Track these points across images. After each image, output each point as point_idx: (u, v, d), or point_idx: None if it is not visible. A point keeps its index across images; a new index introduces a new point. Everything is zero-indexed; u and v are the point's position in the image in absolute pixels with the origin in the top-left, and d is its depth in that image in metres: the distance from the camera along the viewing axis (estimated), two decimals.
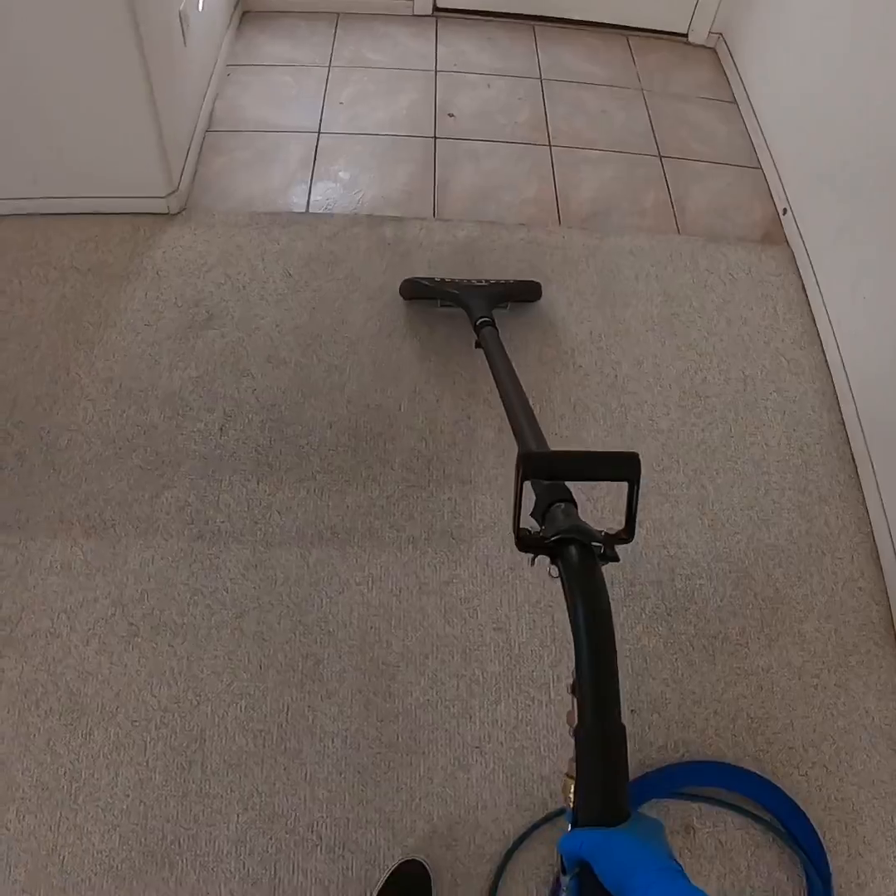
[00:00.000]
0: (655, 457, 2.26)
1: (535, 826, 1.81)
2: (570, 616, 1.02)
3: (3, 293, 2.38)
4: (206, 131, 2.73)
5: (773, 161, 2.80)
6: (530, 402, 2.01)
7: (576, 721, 0.93)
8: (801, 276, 2.57)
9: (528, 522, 1.16)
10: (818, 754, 1.91)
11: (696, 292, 2.50)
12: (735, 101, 3.09)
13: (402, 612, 2.02)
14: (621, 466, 1.15)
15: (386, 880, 1.66)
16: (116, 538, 2.07)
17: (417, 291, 2.34)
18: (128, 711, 1.87)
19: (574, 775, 0.89)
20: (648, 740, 1.92)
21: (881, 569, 2.15)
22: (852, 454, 2.31)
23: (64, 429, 2.20)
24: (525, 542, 1.11)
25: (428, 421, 2.26)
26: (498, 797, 1.84)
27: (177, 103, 2.51)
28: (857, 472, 2.29)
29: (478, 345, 2.08)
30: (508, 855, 1.78)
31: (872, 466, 2.23)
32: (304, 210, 2.59)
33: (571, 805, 0.89)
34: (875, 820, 1.85)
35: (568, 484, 1.27)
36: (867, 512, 2.23)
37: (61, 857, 1.71)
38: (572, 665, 1.00)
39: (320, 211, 2.60)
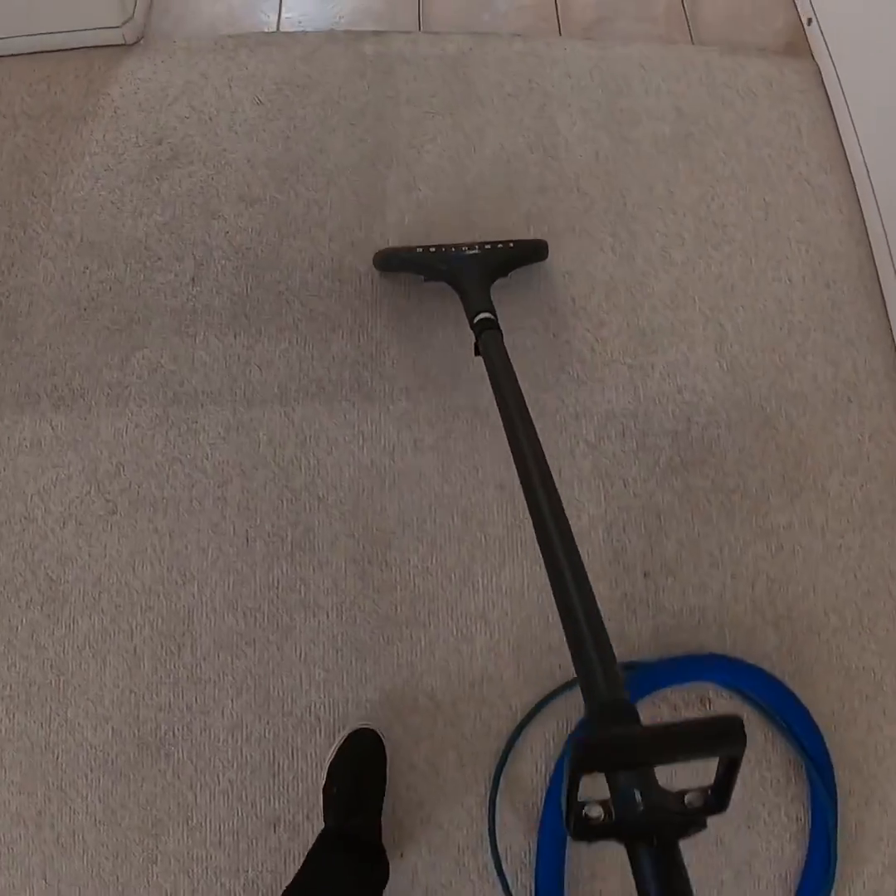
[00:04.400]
0: (670, 293, 1.54)
1: (545, 700, 1.30)
2: None
3: None
4: None
5: None
6: (531, 232, 1.35)
7: None
8: (827, 93, 1.75)
9: None
10: (840, 620, 1.36)
11: (712, 109, 1.69)
12: None
13: (397, 471, 1.41)
14: (718, 739, 0.60)
15: (338, 749, 1.25)
16: (87, 408, 1.44)
17: (395, 264, 1.49)
18: (111, 596, 1.34)
19: None
20: (662, 605, 1.36)
21: None
22: (882, 292, 1.58)
23: (24, 292, 1.52)
24: (583, 832, 0.59)
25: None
26: (504, 670, 1.31)
27: None
28: (886, 311, 1.57)
29: (477, 352, 1.25)
30: (517, 731, 1.28)
31: None
32: (274, 29, 1.75)
33: None
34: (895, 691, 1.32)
35: None
36: None
37: (55, 755, 1.26)
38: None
39: (293, 29, 1.75)
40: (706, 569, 1.38)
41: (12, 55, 1.67)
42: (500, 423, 1.25)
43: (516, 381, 1.11)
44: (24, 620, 1.32)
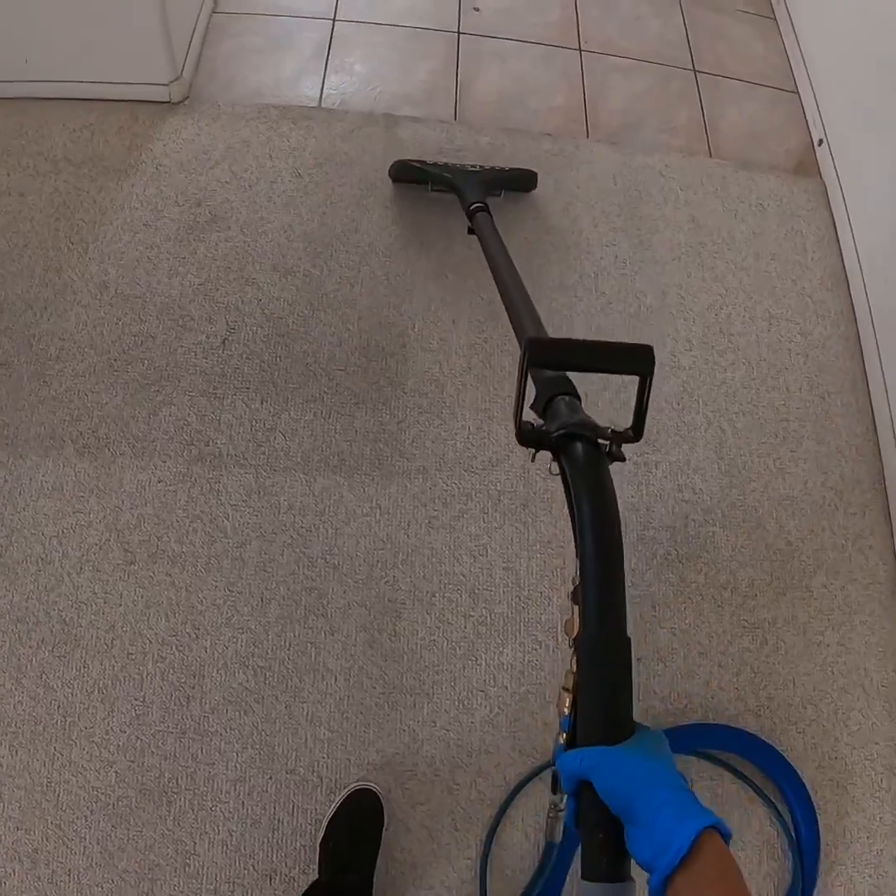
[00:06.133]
0: (676, 395, 1.96)
1: (536, 772, 1.62)
2: (574, 517, 0.87)
3: None
4: (213, 12, 2.25)
5: (812, 87, 2.38)
6: (549, 329, 1.74)
7: (576, 630, 0.81)
8: (832, 213, 2.23)
9: (529, 416, 0.99)
10: (816, 712, 1.74)
11: (725, 221, 2.15)
12: (774, 18, 2.63)
13: (411, 547, 1.76)
14: (634, 359, 0.96)
15: (339, 805, 1.53)
16: (111, 458, 1.76)
17: (407, 174, 2.00)
18: (123, 644, 1.63)
19: (570, 688, 0.78)
20: (652, 690, 1.72)
21: (892, 527, 1.92)
22: (872, 406, 2.03)
23: (55, 337, 1.85)
24: (527, 435, 0.96)
25: (442, 342, 1.93)
26: (501, 742, 1.65)
27: None
28: (875, 424, 2.02)
29: (471, 231, 1.79)
30: (508, 801, 1.61)
31: (892, 420, 1.95)
32: (316, 104, 2.16)
33: (565, 714, 0.78)
34: (865, 781, 1.70)
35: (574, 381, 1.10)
36: (882, 468, 1.97)
37: (56, 794, 1.52)
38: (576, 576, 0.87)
39: (334, 106, 2.17)
40: (695, 658, 1.75)
41: (58, 99, 2.04)
42: (511, 513, 1.79)
43: (501, 241, 1.67)
44: (34, 660, 1.60)
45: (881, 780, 1.70)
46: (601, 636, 0.78)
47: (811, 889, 1.59)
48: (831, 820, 1.65)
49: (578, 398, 1.03)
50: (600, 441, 0.94)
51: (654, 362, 0.95)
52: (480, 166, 2.00)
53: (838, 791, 1.68)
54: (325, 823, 1.53)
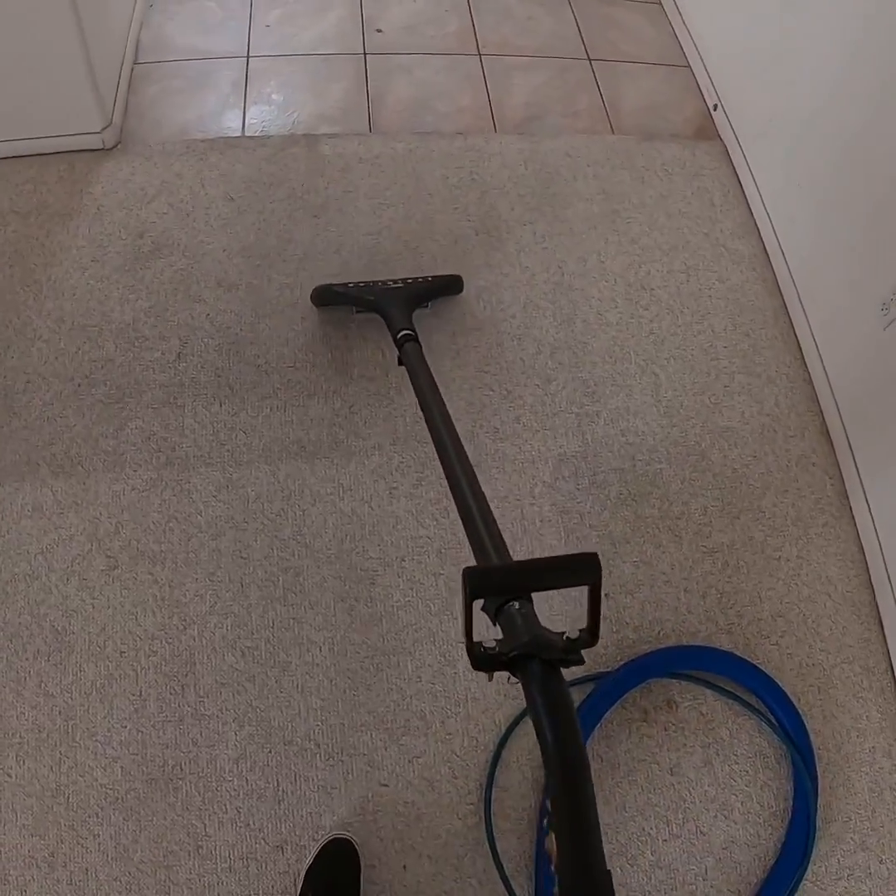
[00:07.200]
0: (607, 349, 2.12)
1: (524, 713, 1.71)
2: (538, 738, 0.85)
3: None
4: (135, 63, 2.47)
5: (702, 58, 2.62)
6: (481, 305, 1.87)
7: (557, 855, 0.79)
8: (735, 169, 2.43)
9: (479, 616, 0.97)
10: (787, 624, 1.85)
11: (634, 189, 2.34)
12: (659, 2, 2.89)
13: (375, 518, 1.88)
14: (579, 570, 0.95)
15: (316, 855, 1.55)
16: (85, 474, 1.89)
17: (329, 298, 2.04)
18: (115, 644, 1.73)
19: None
20: (624, 621, 1.83)
21: (832, 443, 2.06)
22: (796, 336, 2.19)
23: (20, 372, 1.99)
24: (480, 660, 0.92)
25: (383, 331, 2.07)
26: (486, 688, 1.74)
27: (104, 34, 2.25)
28: (802, 352, 2.17)
29: (401, 362, 1.77)
30: (501, 743, 1.70)
31: (817, 346, 2.11)
32: (239, 134, 2.36)
33: None
34: (845, 683, 1.79)
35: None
36: (815, 390, 2.12)
37: (66, 796, 1.59)
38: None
39: (256, 133, 2.37)
40: (661, 586, 1.87)
41: None
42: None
43: (431, 375, 1.66)
44: (32, 671, 1.69)
45: (861, 680, 1.80)
46: (580, 881, 0.75)
47: (816, 788, 1.67)
48: (818, 724, 1.75)
49: (530, 600, 0.99)
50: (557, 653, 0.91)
51: (600, 570, 0.93)
52: (403, 280, 2.01)
53: (821, 696, 1.78)
54: (304, 872, 1.53)
